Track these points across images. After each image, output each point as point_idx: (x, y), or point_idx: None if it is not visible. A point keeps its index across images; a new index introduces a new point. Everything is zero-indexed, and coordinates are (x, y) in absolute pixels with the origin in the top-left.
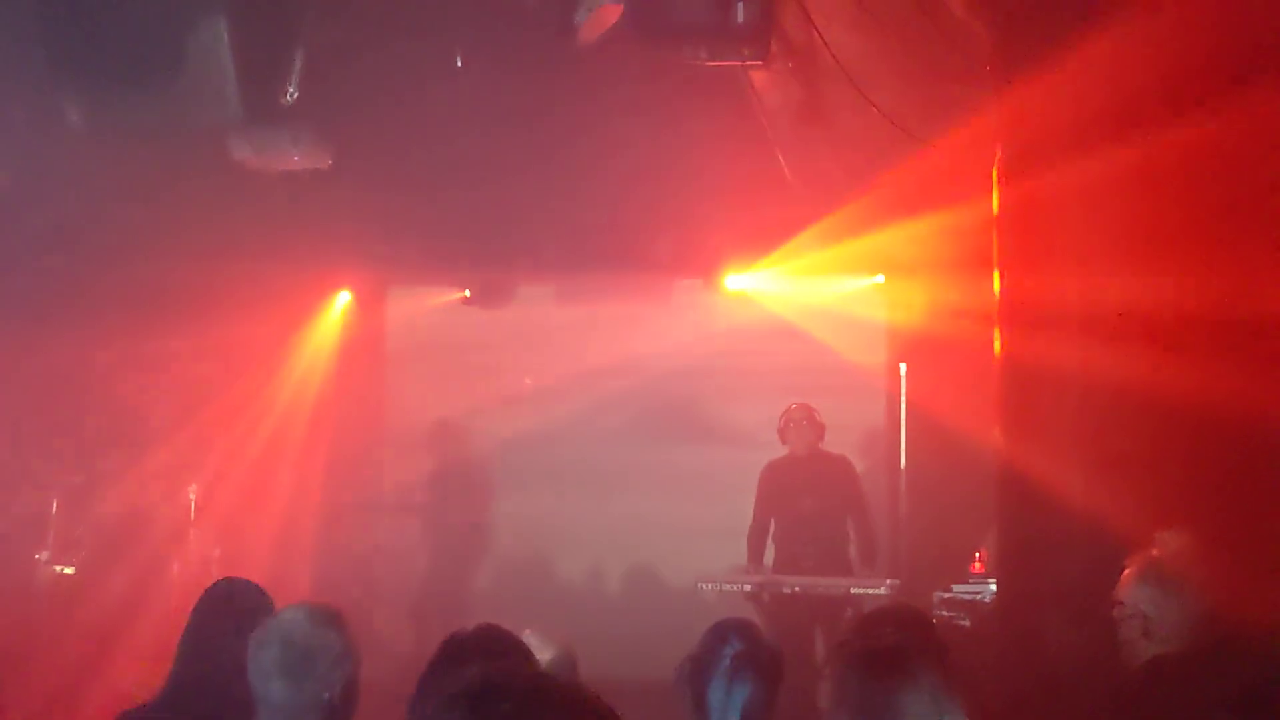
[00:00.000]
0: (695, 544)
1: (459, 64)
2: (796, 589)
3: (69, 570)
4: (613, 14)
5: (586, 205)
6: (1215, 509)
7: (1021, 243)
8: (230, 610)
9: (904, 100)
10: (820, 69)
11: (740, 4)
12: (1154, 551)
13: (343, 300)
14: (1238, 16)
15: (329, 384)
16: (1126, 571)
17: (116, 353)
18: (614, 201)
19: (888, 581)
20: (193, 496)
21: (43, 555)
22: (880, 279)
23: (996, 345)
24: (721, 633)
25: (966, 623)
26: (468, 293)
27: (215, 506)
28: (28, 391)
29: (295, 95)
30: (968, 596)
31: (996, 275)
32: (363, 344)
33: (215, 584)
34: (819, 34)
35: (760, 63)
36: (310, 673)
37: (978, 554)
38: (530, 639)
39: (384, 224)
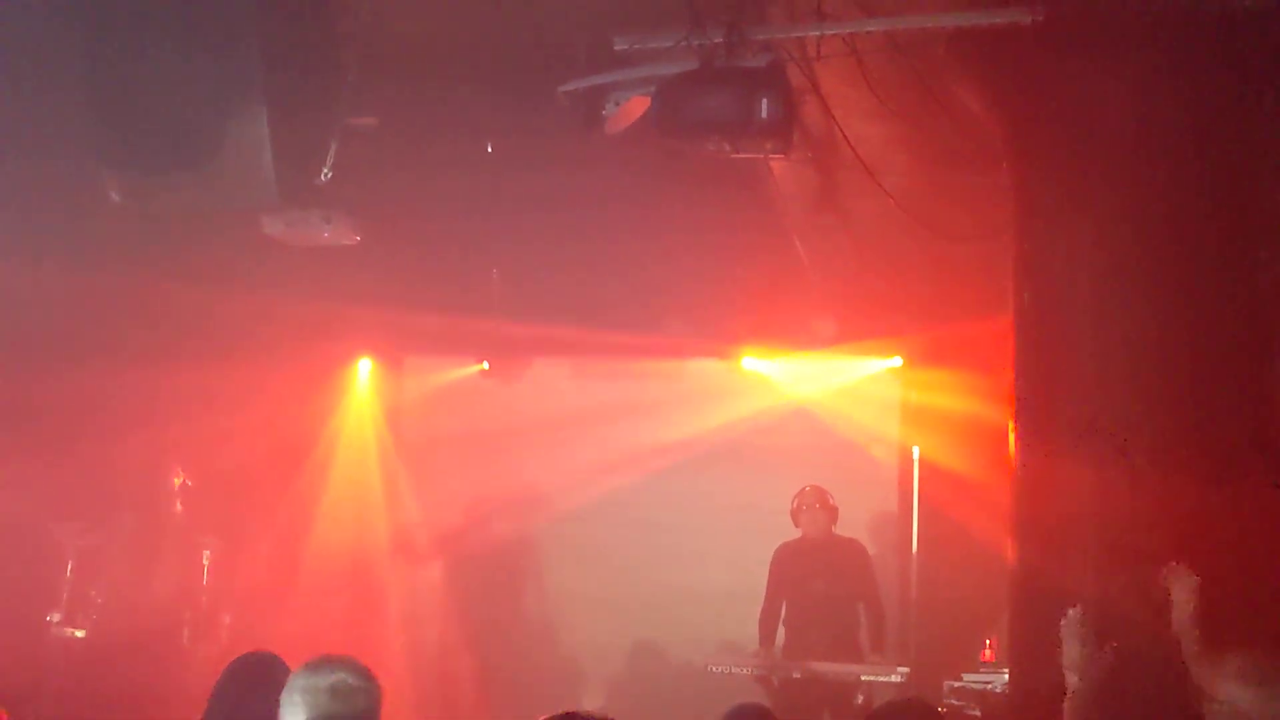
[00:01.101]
0: (705, 624)
1: (489, 150)
2: (806, 674)
3: (80, 634)
4: (639, 107)
5: (604, 283)
6: (1228, 607)
7: (1038, 337)
8: (257, 684)
9: (920, 190)
10: (838, 158)
11: (764, 100)
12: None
13: (364, 368)
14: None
15: (350, 453)
16: (1224, 670)
17: (135, 413)
18: (631, 281)
19: (898, 669)
20: (206, 562)
21: (54, 617)
22: (897, 361)
23: (1011, 439)
24: (739, 718)
25: (977, 713)
26: (486, 365)
27: (228, 571)
28: (44, 451)
29: (329, 175)
30: (978, 686)
31: (1013, 371)
32: (384, 414)
33: (241, 658)
34: (839, 127)
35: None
36: None
37: (988, 642)
38: None
39: (406, 296)
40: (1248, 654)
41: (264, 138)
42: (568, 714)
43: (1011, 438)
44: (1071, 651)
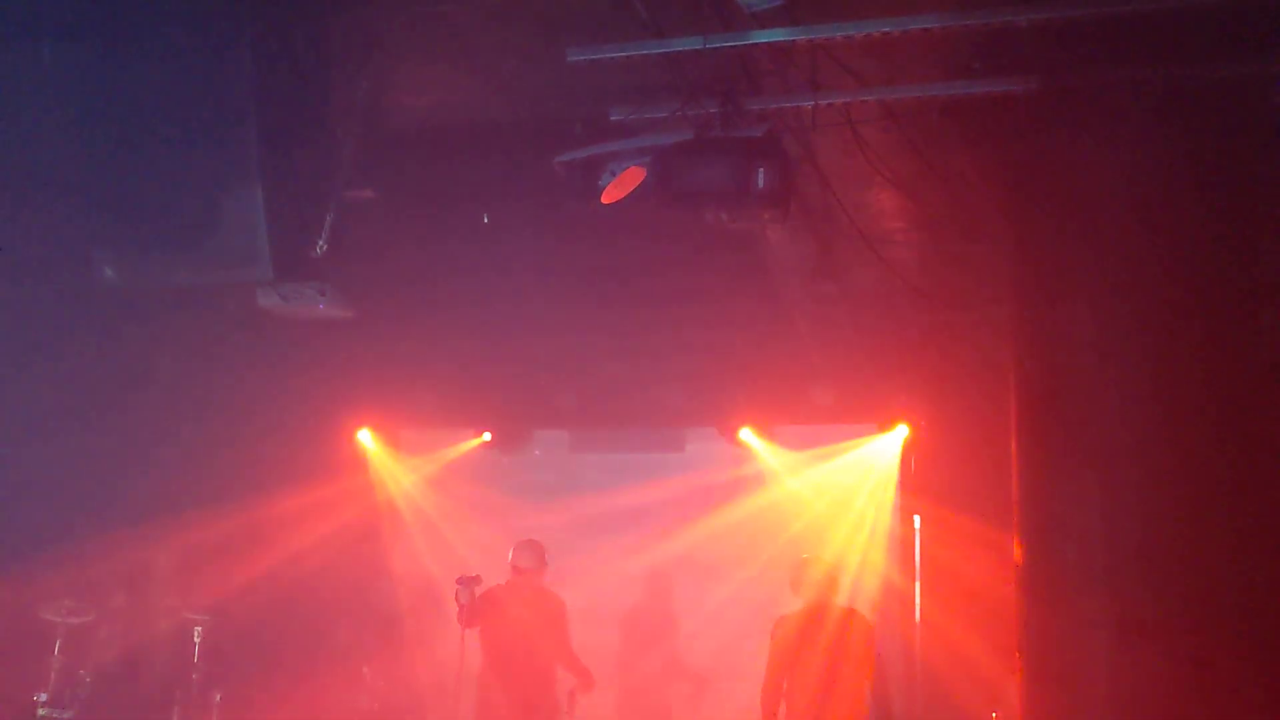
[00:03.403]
0: (707, 693)
1: (485, 220)
2: None
3: (68, 715)
4: (636, 178)
5: (600, 354)
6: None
7: (1039, 403)
8: None
9: (918, 258)
10: (835, 227)
11: (761, 169)
12: None
13: (361, 439)
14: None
15: (345, 528)
16: None
17: (129, 489)
18: (629, 352)
19: None
20: (197, 640)
21: (41, 698)
22: (898, 429)
23: (1015, 499)
24: None
25: None
26: (487, 435)
27: (220, 650)
28: (35, 527)
29: (324, 249)
30: None
31: (1015, 439)
32: (380, 487)
33: None
34: (835, 196)
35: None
36: None
37: (994, 715)
38: None
39: (404, 369)
40: None
41: (259, 213)
42: None
43: (1017, 505)
44: None
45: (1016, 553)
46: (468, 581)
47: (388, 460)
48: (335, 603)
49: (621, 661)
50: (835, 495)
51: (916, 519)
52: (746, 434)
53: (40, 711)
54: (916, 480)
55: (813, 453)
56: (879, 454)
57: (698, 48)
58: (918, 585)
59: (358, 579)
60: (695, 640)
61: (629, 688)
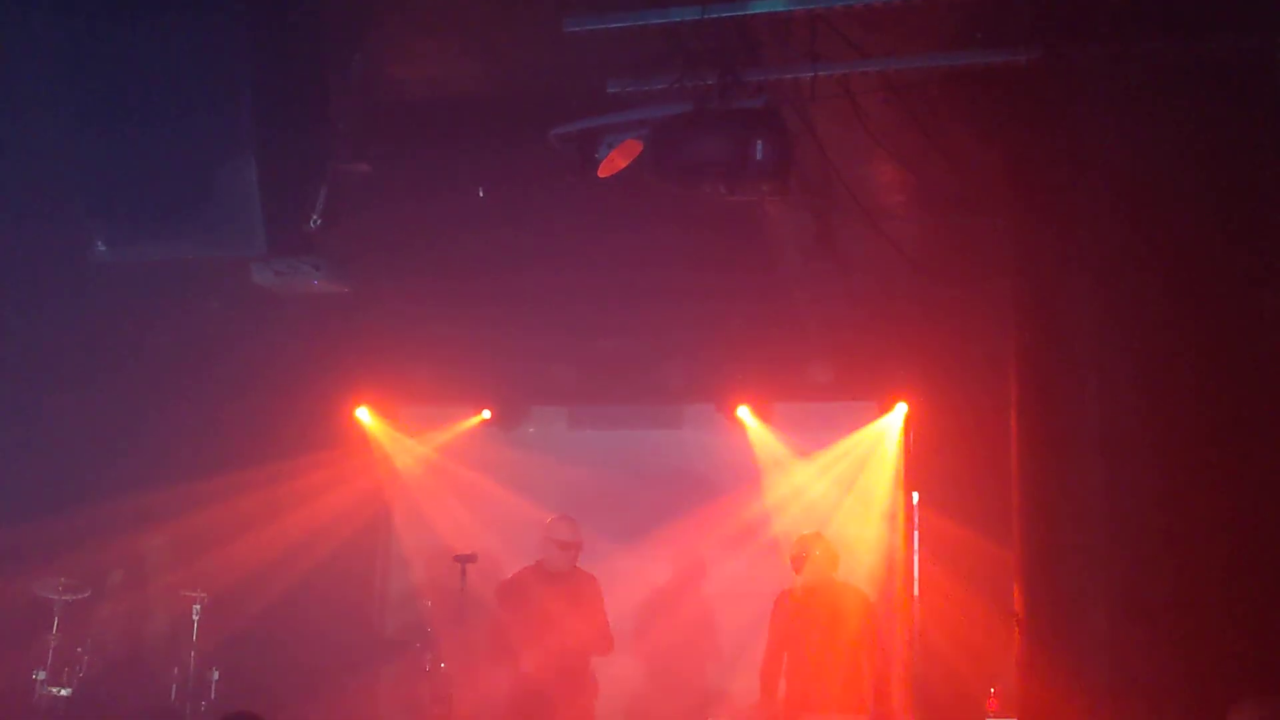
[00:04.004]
0: (706, 675)
1: (481, 195)
2: None
3: (65, 692)
4: (633, 150)
5: (597, 330)
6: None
7: (1040, 379)
8: None
9: (918, 232)
10: (834, 201)
11: (760, 142)
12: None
13: (361, 416)
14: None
15: (344, 503)
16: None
17: (124, 464)
18: (626, 329)
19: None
20: (195, 617)
21: (40, 675)
22: (898, 407)
23: (1015, 475)
24: None
25: None
26: (487, 413)
27: (218, 627)
28: (31, 505)
29: (319, 223)
30: None
31: (1015, 415)
32: (379, 463)
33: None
34: (835, 169)
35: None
36: None
37: (992, 690)
38: None
39: (400, 345)
40: (1263, 704)
41: (253, 186)
42: None
43: (1016, 481)
44: None
45: (1016, 529)
46: (463, 559)
47: (387, 436)
48: (336, 581)
49: (649, 639)
50: (835, 472)
51: (915, 495)
52: (744, 408)
53: (39, 689)
54: (916, 456)
55: (811, 430)
56: (877, 430)
57: (696, 18)
58: (916, 561)
59: (358, 557)
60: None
61: (660, 668)
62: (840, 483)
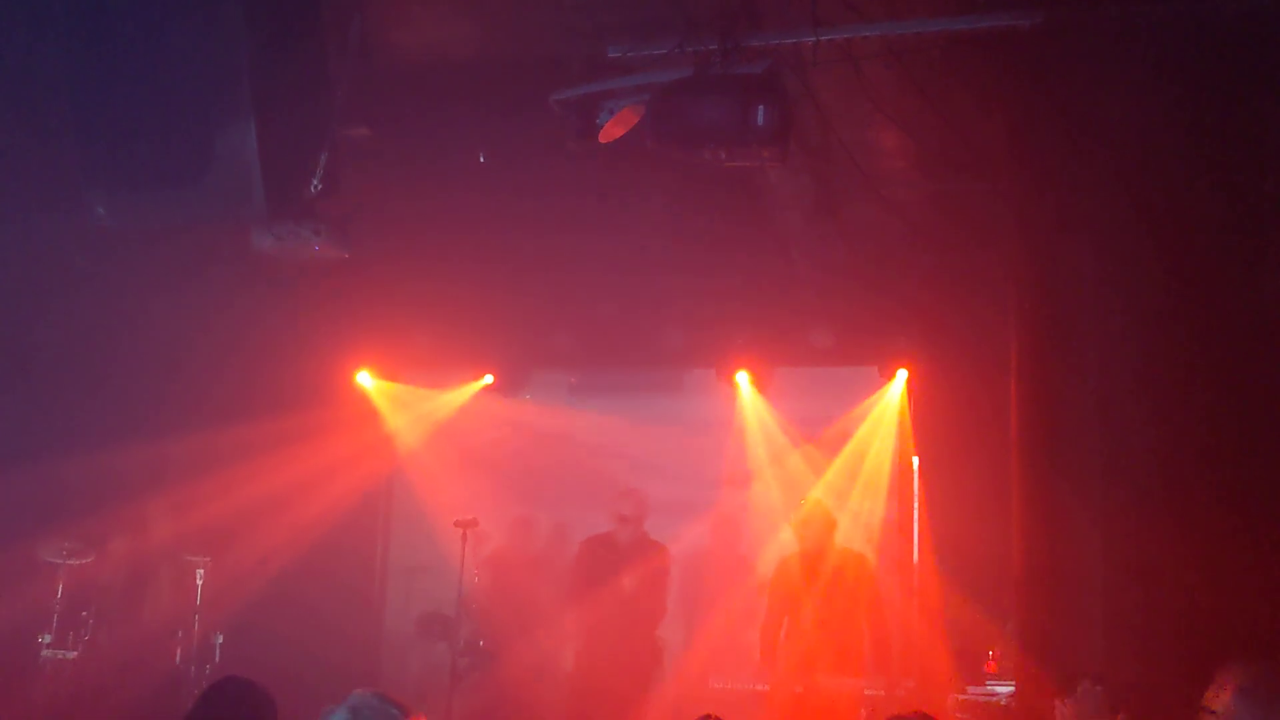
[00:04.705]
0: (707, 638)
1: (481, 160)
2: (809, 689)
3: (71, 655)
4: (633, 116)
5: (597, 294)
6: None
7: (1039, 343)
8: (233, 711)
9: (918, 198)
10: (834, 166)
11: (761, 107)
12: (1257, 664)
13: (359, 373)
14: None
15: (347, 468)
16: (1222, 680)
17: (126, 430)
18: (627, 294)
19: (902, 683)
20: (199, 581)
21: (45, 639)
22: (897, 372)
23: (1014, 441)
24: None
25: None
26: (489, 378)
27: (221, 591)
28: (35, 469)
29: (319, 188)
30: (982, 699)
31: (1014, 379)
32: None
33: (219, 683)
34: (835, 136)
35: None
36: None
37: (991, 653)
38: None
39: (403, 311)
40: (1248, 668)
41: (253, 151)
42: None
43: (1015, 447)
44: None
45: (1014, 491)
46: (466, 524)
47: (389, 400)
48: (338, 544)
49: (693, 604)
50: (831, 437)
51: (915, 460)
52: (744, 373)
53: (44, 652)
54: (916, 421)
55: (809, 395)
56: (877, 396)
57: None
58: (915, 525)
59: (362, 522)
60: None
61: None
62: (839, 447)
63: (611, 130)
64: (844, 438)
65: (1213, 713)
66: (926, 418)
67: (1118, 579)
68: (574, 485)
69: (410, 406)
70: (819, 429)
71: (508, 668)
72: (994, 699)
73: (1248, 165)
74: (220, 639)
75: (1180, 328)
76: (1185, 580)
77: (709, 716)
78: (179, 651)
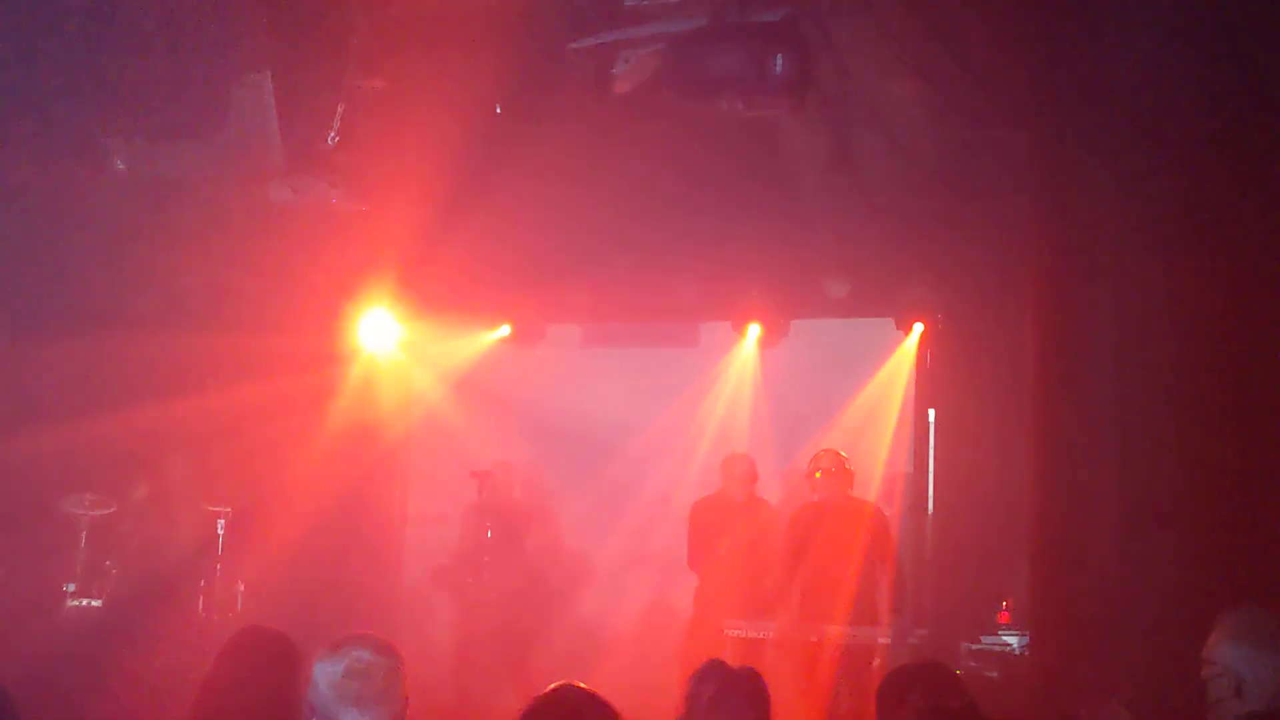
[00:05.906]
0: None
1: (498, 111)
2: (823, 637)
3: (95, 603)
4: (650, 65)
5: (614, 244)
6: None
7: (1059, 293)
8: (255, 660)
9: (937, 147)
10: (852, 115)
11: (779, 56)
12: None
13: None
14: None
15: (364, 416)
16: (1216, 632)
17: (146, 382)
18: (642, 245)
19: (915, 632)
20: (220, 530)
21: (70, 587)
22: (913, 324)
23: (1031, 387)
24: (699, 676)
25: (994, 675)
26: (506, 329)
27: (243, 540)
28: (56, 421)
29: (336, 140)
30: (996, 648)
31: (1032, 330)
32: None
33: (241, 632)
34: (853, 84)
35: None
36: (388, 699)
37: (1004, 603)
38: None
39: (418, 260)
40: (1236, 615)
41: (270, 103)
42: (560, 687)
43: (1032, 394)
44: None
45: (1030, 437)
46: (483, 476)
47: (408, 354)
48: (358, 493)
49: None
50: (850, 388)
51: (931, 412)
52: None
53: (69, 601)
54: (932, 374)
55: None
56: (893, 347)
57: None
58: (931, 477)
59: (381, 472)
60: None
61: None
62: (855, 398)
63: (628, 79)
64: (858, 390)
65: (1211, 663)
66: (943, 368)
67: (1133, 525)
68: (585, 439)
69: (430, 358)
70: (835, 383)
71: (520, 619)
72: (1007, 648)
73: (1272, 114)
74: (242, 588)
75: (1202, 275)
76: (1201, 524)
77: (715, 661)
78: (202, 600)
